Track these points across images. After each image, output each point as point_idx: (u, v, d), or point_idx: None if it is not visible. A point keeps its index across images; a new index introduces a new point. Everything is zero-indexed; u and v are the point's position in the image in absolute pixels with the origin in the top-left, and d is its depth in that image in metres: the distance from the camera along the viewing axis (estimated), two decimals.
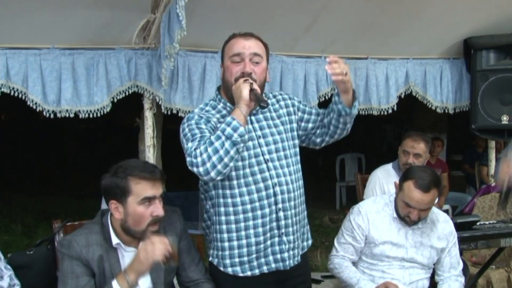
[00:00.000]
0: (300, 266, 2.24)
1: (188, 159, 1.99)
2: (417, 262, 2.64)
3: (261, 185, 2.11)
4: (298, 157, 2.29)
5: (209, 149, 1.94)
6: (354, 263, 2.73)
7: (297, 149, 2.29)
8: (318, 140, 2.32)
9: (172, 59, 3.05)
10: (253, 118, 2.18)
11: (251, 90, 2.02)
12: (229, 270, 2.16)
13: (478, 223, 3.25)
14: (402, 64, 4.17)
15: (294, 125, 2.29)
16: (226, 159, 1.95)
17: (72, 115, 3.30)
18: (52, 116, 3.26)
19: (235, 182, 2.10)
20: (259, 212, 2.10)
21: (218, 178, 2.00)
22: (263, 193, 2.10)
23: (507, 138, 4.17)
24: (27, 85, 3.17)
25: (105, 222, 2.05)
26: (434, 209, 2.68)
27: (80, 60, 3.28)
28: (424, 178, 2.47)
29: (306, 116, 2.31)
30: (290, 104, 2.31)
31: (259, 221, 2.10)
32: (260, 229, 2.11)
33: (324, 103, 4.12)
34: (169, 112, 3.61)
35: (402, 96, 4.22)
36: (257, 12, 3.33)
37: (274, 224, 2.13)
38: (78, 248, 1.95)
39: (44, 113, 3.24)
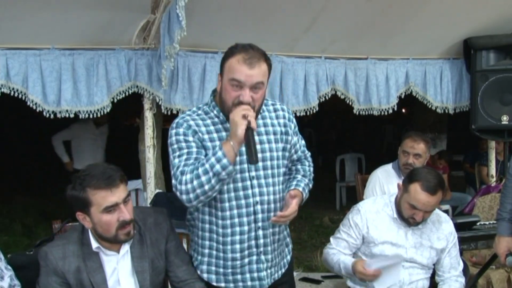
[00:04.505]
0: (283, 281, 2.24)
1: (173, 181, 1.98)
2: (417, 262, 2.64)
3: (242, 202, 2.05)
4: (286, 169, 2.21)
5: (195, 182, 1.90)
6: None
7: (286, 168, 2.20)
8: None
9: (172, 60, 3.05)
10: None
11: (248, 129, 1.89)
12: (205, 276, 2.16)
13: (478, 223, 3.26)
14: (402, 64, 4.18)
15: (288, 144, 2.18)
16: (210, 193, 1.93)
17: (72, 116, 3.31)
18: (52, 116, 3.27)
19: (217, 195, 2.03)
20: (237, 229, 2.06)
21: (199, 205, 2.02)
22: (243, 210, 2.05)
23: (507, 138, 4.18)
24: (27, 85, 3.18)
25: (86, 227, 2.05)
26: (435, 210, 2.68)
27: (80, 61, 3.29)
28: (430, 180, 2.46)
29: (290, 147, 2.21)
30: (287, 121, 2.18)
31: (237, 237, 2.07)
32: (238, 246, 2.08)
33: (324, 103, 4.14)
34: (169, 113, 3.62)
35: (402, 96, 4.23)
36: (257, 12, 3.33)
37: (253, 242, 2.09)
38: (54, 261, 1.96)
39: (44, 113, 3.24)
